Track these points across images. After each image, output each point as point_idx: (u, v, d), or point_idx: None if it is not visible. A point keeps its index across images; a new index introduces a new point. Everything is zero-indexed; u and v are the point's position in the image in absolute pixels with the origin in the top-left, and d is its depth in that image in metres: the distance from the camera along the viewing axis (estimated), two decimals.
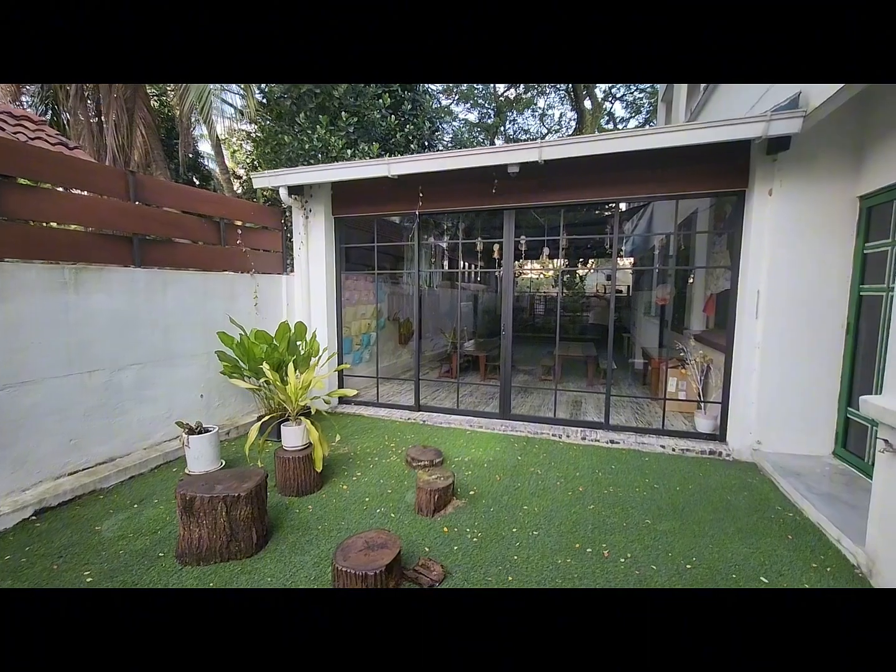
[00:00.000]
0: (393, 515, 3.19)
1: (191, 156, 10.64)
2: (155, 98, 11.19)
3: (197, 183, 11.61)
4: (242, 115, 9.28)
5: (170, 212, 4.30)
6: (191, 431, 3.57)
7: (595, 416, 5.47)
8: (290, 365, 3.99)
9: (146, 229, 4.02)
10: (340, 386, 6.13)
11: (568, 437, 4.88)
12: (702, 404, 4.98)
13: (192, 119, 9.52)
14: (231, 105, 10.11)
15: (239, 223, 5.08)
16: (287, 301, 5.78)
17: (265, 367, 3.73)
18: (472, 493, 3.58)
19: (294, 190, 5.44)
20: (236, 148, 13.48)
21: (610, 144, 3.95)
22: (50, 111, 7.52)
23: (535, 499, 3.49)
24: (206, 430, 3.68)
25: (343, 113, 6.99)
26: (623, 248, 10.97)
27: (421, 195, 5.11)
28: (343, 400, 6.11)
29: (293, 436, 3.51)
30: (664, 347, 7.55)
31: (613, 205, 4.79)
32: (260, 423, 3.48)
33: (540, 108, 20.51)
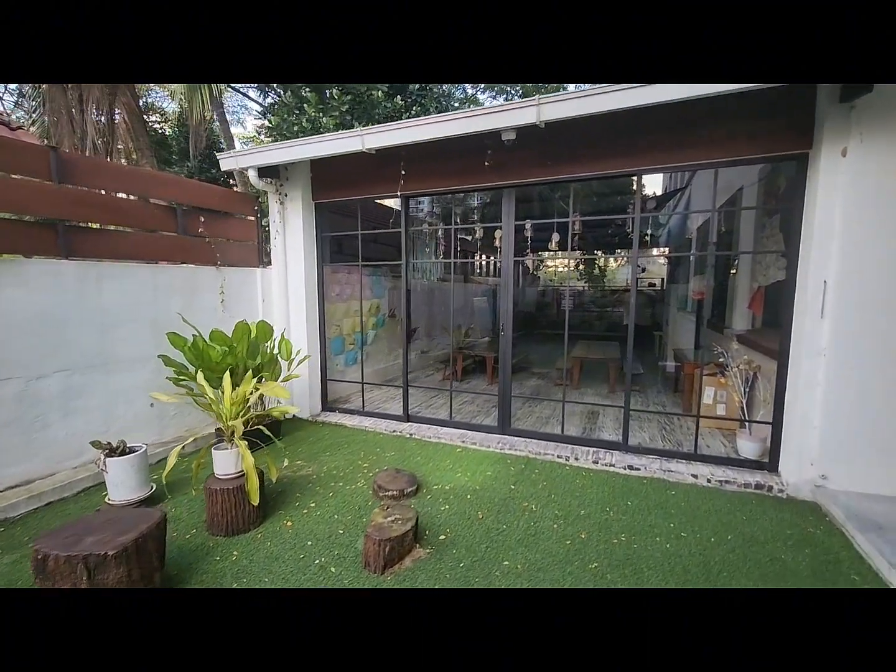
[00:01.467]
0: (333, 570, 2.51)
1: (207, 150, 10.29)
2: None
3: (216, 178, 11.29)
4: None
5: (108, 195, 3.76)
6: (111, 452, 3.01)
7: (612, 433, 4.62)
8: (249, 372, 3.39)
9: (75, 215, 3.50)
10: (324, 392, 5.51)
11: (577, 459, 4.07)
12: (746, 422, 4.04)
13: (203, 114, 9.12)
14: (257, 102, 9.66)
15: (201, 209, 4.51)
16: (263, 297, 5.20)
17: (199, 376, 3.12)
18: (442, 538, 2.86)
19: (267, 172, 4.84)
20: (259, 141, 13.17)
21: (626, 97, 3.10)
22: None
23: (522, 549, 2.74)
24: (132, 451, 3.11)
25: (334, 90, 6.35)
26: (653, 234, 9.88)
27: (403, 173, 4.39)
28: (328, 407, 5.50)
29: (225, 461, 2.89)
30: (701, 348, 6.56)
31: (634, 177, 3.91)
32: (181, 445, 2.87)
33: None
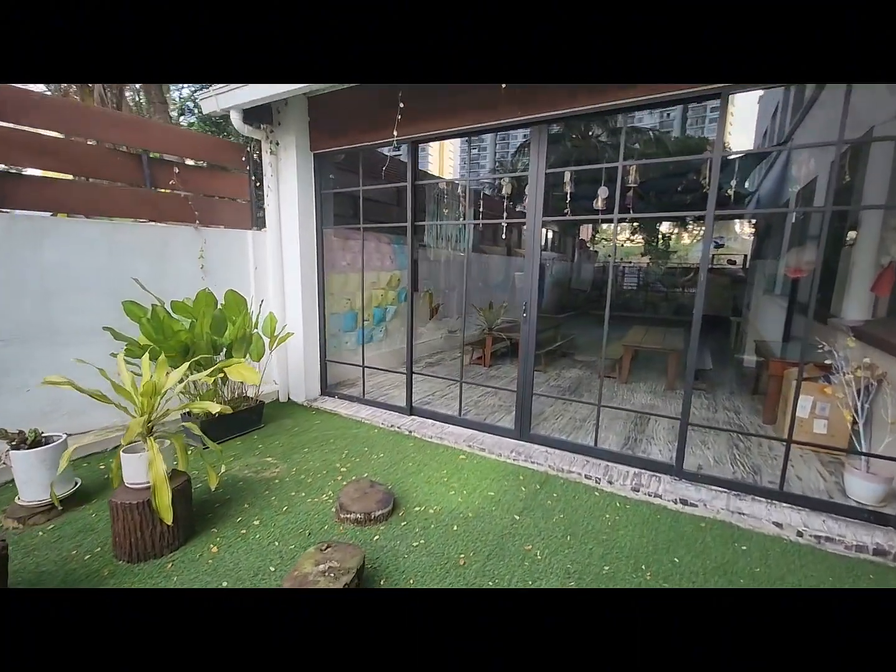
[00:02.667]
0: None
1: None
2: None
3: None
4: None
5: (47, 136, 3.22)
6: (21, 442, 2.51)
7: (663, 448, 3.60)
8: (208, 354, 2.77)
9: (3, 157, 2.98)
10: (323, 374, 4.89)
11: (611, 482, 3.12)
12: (861, 454, 2.88)
13: None
14: None
15: (174, 159, 3.91)
16: (256, 264, 4.60)
17: (146, 356, 2.53)
18: None
19: (255, 115, 4.13)
20: None
21: None
22: None
23: None
24: (47, 441, 2.60)
25: None
26: (738, 191, 8.23)
27: (401, 105, 3.50)
28: (328, 391, 4.89)
29: (134, 467, 2.29)
30: (792, 341, 5.20)
31: (716, 100, 2.76)
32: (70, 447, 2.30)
33: None
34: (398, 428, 4.07)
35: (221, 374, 3.31)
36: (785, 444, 2.85)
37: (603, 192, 3.73)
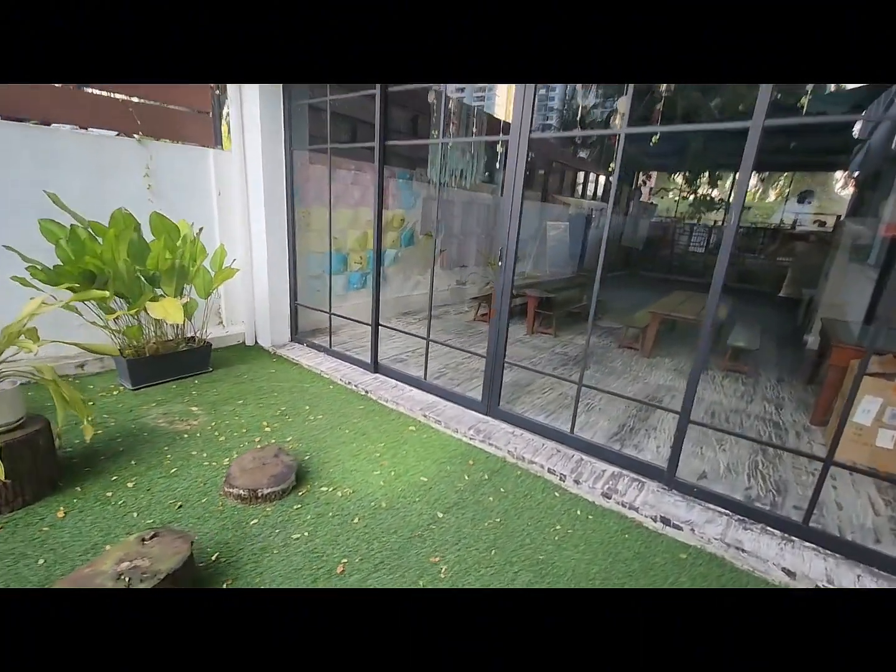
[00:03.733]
0: None
1: None
2: None
3: None
4: None
5: None
6: None
7: (663, 446, 2.88)
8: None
9: None
10: (294, 319, 4.45)
11: (578, 481, 2.49)
12: None
13: None
14: None
15: None
16: (219, 189, 4.10)
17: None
18: None
19: None
20: None
21: None
22: None
23: None
24: None
25: None
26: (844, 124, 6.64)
27: None
28: (298, 338, 4.47)
29: None
30: (877, 324, 4.10)
31: None
32: None
33: None
34: (355, 386, 3.58)
35: (141, 310, 2.92)
36: (823, 463, 2.06)
37: (623, 103, 2.80)
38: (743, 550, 2.03)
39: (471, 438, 2.92)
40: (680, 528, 2.17)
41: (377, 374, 3.78)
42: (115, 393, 3.20)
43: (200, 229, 3.38)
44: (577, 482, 2.48)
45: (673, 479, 2.42)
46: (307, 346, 4.37)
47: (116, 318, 2.91)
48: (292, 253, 4.25)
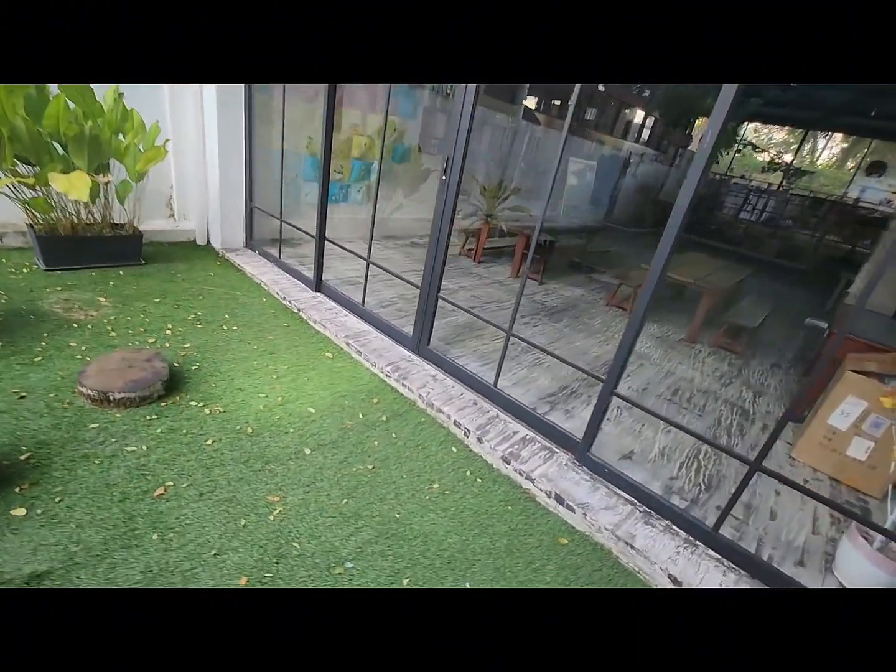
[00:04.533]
0: None
1: None
2: None
3: None
4: None
5: None
6: None
7: (584, 411, 2.54)
8: None
9: None
10: (249, 223, 4.10)
11: (482, 439, 2.21)
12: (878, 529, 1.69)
13: None
14: None
15: None
16: None
17: None
18: None
19: None
20: None
21: None
22: None
23: None
24: None
25: None
26: None
27: None
28: (252, 245, 4.16)
29: None
30: None
31: None
32: None
33: None
34: (289, 302, 3.30)
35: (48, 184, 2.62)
36: (749, 466, 1.70)
37: None
38: (632, 547, 1.75)
39: (387, 375, 2.64)
40: (572, 510, 1.90)
41: (318, 294, 3.47)
42: (24, 271, 2.99)
43: (120, 94, 2.96)
44: (480, 440, 2.20)
45: (585, 454, 2.11)
46: (259, 254, 4.06)
47: (13, 183, 2.62)
48: (249, 148, 3.81)
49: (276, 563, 1.50)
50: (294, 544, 1.57)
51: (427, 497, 1.89)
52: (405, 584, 1.52)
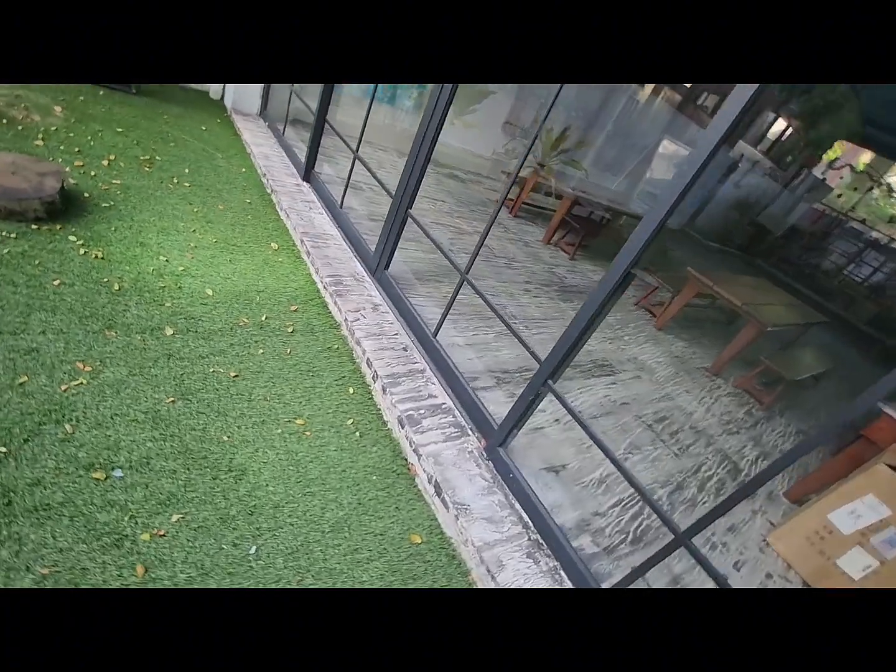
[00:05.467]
0: None
1: None
2: None
3: None
4: None
5: None
6: None
7: (545, 407, 2.07)
8: None
9: None
10: (266, 95, 3.67)
11: (387, 390, 1.80)
12: None
13: None
14: None
15: None
16: None
17: None
18: None
19: None
20: None
21: None
22: None
23: None
24: None
25: None
26: None
27: None
28: (265, 115, 3.74)
29: None
30: None
31: None
32: None
33: None
34: (267, 180, 2.91)
35: None
36: (675, 538, 1.21)
37: None
38: (493, 578, 1.33)
39: (324, 287, 2.25)
40: (447, 507, 1.49)
41: (303, 183, 3.06)
42: None
43: None
44: (384, 390, 1.80)
45: (497, 448, 1.67)
46: (269, 126, 3.66)
47: None
48: None
49: (27, 439, 1.18)
50: (65, 426, 1.25)
51: (280, 431, 1.53)
52: (173, 519, 1.18)
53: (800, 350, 3.91)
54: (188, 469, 1.30)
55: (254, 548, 1.21)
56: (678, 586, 1.60)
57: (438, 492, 1.52)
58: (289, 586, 1.17)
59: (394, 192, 2.23)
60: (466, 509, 1.48)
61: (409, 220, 2.18)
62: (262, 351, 1.78)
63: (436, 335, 2.05)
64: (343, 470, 1.51)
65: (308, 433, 1.57)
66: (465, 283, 1.90)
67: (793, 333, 4.18)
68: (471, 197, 4.53)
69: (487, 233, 1.78)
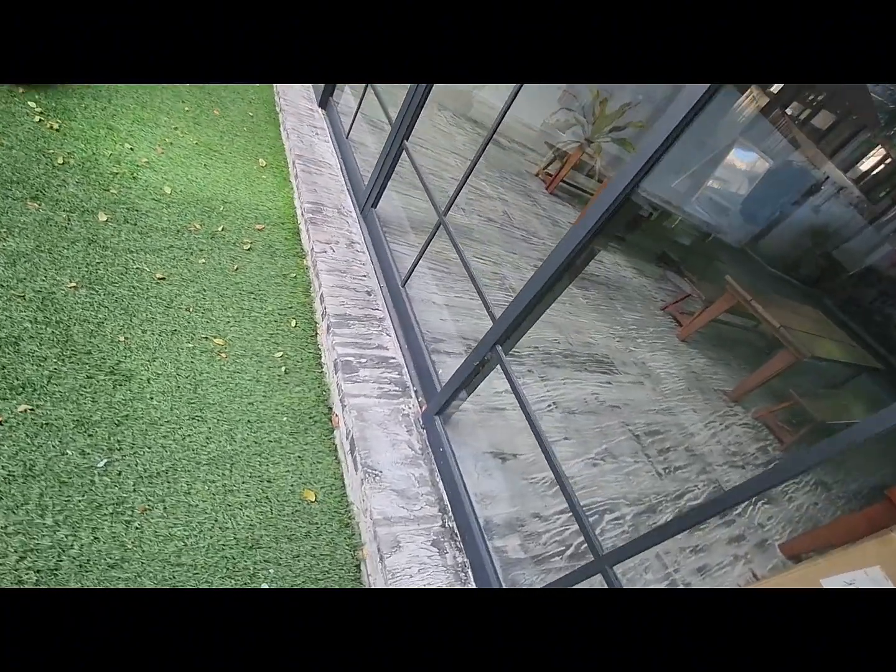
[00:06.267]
0: None
1: None
2: None
3: None
4: None
5: None
6: None
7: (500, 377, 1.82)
8: None
9: None
10: None
11: (332, 330, 1.60)
12: None
13: None
14: None
15: None
16: None
17: None
18: None
19: None
20: None
21: None
22: None
23: None
24: None
25: None
26: None
27: None
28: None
29: None
30: None
31: None
32: None
33: None
34: (279, 98, 2.73)
35: None
36: (595, 561, 0.97)
37: None
38: (382, 559, 1.13)
39: (301, 214, 2.05)
40: (356, 468, 1.29)
41: (318, 109, 2.86)
42: None
43: None
44: (329, 329, 1.60)
45: (433, 416, 1.45)
46: None
47: None
48: None
49: None
50: None
51: (192, 346, 1.36)
52: (20, 409, 1.03)
53: (840, 393, 3.48)
54: (62, 361, 1.15)
55: (104, 461, 1.05)
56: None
57: (353, 448, 1.32)
58: (129, 511, 1.01)
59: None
60: (377, 476, 1.28)
61: (405, 154, 1.94)
62: (203, 261, 1.61)
63: (405, 283, 1.83)
64: (250, 403, 1.33)
65: (224, 355, 1.39)
66: (442, 227, 1.66)
67: (837, 374, 3.72)
68: (506, 164, 4.23)
69: (469, 175, 1.53)
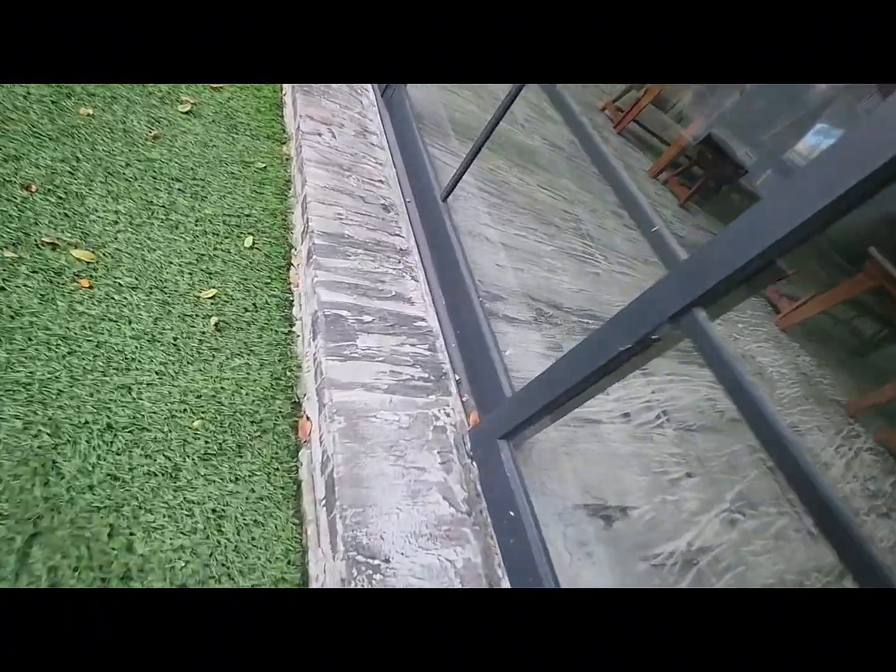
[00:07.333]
0: None
1: None
2: None
3: None
4: None
5: None
6: None
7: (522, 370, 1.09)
8: None
9: None
10: None
11: (315, 258, 0.87)
12: None
13: None
14: None
15: None
16: None
17: None
18: None
19: None
20: None
21: None
22: None
23: None
24: None
25: None
26: None
27: None
28: None
29: None
30: None
31: None
32: None
33: None
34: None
35: None
36: None
37: None
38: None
39: (286, 161, 1.30)
40: (334, 550, 0.60)
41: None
42: None
43: None
44: (310, 257, 0.89)
45: (495, 440, 0.75)
46: None
47: None
48: None
49: None
50: None
51: (147, 223, 0.65)
52: None
53: None
54: None
55: None
56: None
57: (331, 499, 0.63)
58: None
59: None
60: (378, 570, 0.59)
61: None
62: (91, 113, 0.88)
63: (446, 198, 1.09)
64: (123, 387, 0.63)
65: (85, 283, 0.69)
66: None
67: None
68: (574, 92, 3.37)
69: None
